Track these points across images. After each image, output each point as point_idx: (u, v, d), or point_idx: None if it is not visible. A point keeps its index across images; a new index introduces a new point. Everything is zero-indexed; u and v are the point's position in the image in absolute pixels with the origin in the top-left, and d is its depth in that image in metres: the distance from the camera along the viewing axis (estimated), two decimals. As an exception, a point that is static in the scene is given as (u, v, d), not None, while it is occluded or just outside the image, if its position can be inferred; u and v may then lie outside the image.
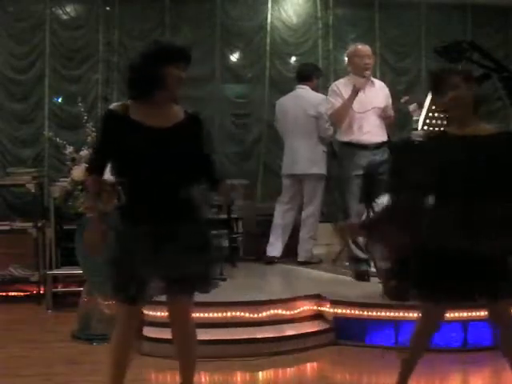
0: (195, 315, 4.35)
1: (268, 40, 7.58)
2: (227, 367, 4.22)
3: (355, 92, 5.54)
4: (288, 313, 4.80)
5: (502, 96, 5.08)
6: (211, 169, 3.27)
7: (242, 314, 4.67)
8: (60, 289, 6.10)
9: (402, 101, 5.88)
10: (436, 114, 5.12)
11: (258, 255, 6.59)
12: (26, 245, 6.18)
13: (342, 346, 4.65)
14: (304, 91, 6.45)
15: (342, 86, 5.75)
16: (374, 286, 5.11)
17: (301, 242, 6.46)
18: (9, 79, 7.06)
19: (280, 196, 6.60)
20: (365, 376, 4.28)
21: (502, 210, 3.00)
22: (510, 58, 7.67)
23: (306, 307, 4.89)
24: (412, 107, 5.65)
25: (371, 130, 5.64)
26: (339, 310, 4.77)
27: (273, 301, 4.81)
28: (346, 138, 5.70)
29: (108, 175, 3.18)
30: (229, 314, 4.66)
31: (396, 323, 4.62)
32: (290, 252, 6.46)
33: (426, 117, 5.15)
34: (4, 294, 6.27)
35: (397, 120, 6.08)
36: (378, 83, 5.92)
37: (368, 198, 5.47)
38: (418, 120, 5.31)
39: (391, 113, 5.83)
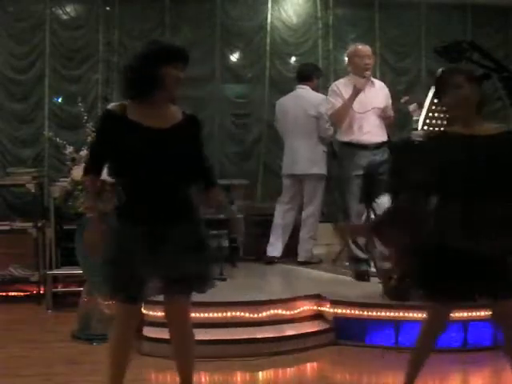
0: (195, 315, 4.36)
1: (268, 40, 7.58)
2: (227, 367, 4.22)
3: (356, 92, 5.54)
4: (288, 313, 4.80)
5: (501, 96, 5.07)
6: (207, 172, 3.26)
7: (242, 314, 4.67)
8: (60, 289, 6.10)
9: (402, 101, 5.88)
10: (436, 114, 5.12)
11: (258, 255, 6.59)
12: (26, 245, 6.18)
13: (342, 345, 4.65)
14: (304, 91, 6.45)
15: (342, 86, 5.75)
16: (374, 286, 5.12)
17: (301, 242, 6.46)
18: (9, 79, 7.05)
19: (280, 196, 6.60)
20: (365, 376, 4.28)
21: (504, 209, 3.00)
22: (510, 58, 7.67)
23: (306, 307, 4.89)
24: (412, 107, 5.65)
25: (371, 130, 5.65)
26: (339, 310, 4.77)
27: (273, 301, 4.81)
28: (346, 138, 5.70)
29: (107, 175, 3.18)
30: (229, 314, 4.66)
31: (396, 323, 4.62)
32: (290, 252, 6.46)
33: (426, 117, 5.15)
34: (4, 293, 6.26)
35: (397, 120, 6.08)
36: (378, 83, 5.92)
37: (368, 197, 5.50)
38: (417, 120, 5.30)
39: (391, 113, 5.84)
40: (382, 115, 5.74)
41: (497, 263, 3.00)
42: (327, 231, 6.94)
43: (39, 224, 6.13)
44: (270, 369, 4.30)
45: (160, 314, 4.23)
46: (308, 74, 6.52)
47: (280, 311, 4.77)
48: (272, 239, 6.49)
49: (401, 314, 4.62)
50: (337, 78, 6.41)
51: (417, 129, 5.26)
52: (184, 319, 3.25)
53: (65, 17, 7.22)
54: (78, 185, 5.06)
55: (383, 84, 5.98)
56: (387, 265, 4.80)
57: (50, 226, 6.08)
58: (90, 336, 4.77)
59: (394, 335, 4.62)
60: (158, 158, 3.00)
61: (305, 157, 6.35)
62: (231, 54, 7.63)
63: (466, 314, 4.47)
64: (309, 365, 4.48)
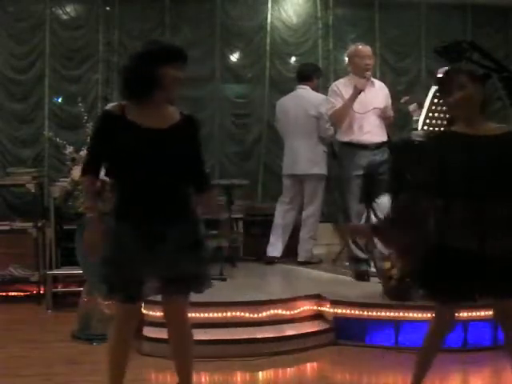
0: (195, 315, 4.37)
1: (268, 40, 7.58)
2: (227, 367, 4.22)
3: (357, 93, 5.54)
4: (288, 313, 4.80)
5: (501, 96, 5.08)
6: (201, 175, 3.26)
7: (242, 314, 4.67)
8: (60, 289, 6.10)
9: (402, 101, 5.88)
10: (436, 114, 5.12)
11: (258, 255, 6.59)
12: (26, 245, 6.18)
13: (342, 345, 4.65)
14: (305, 91, 6.45)
15: (342, 86, 5.75)
16: (374, 286, 5.11)
17: (301, 242, 6.46)
18: (9, 79, 7.05)
19: (281, 196, 6.60)
20: (365, 376, 4.28)
21: (506, 209, 3.00)
22: (510, 58, 7.67)
23: (306, 307, 4.89)
24: (412, 107, 5.65)
25: (372, 130, 5.65)
26: (339, 310, 4.77)
27: (273, 301, 4.81)
28: (346, 138, 5.70)
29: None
30: (229, 314, 4.66)
31: (396, 323, 4.62)
32: (290, 252, 6.46)
33: (426, 117, 5.15)
34: (4, 293, 6.27)
35: (397, 120, 6.09)
36: (378, 83, 5.93)
37: (368, 197, 5.50)
38: (417, 120, 5.30)
39: (391, 113, 5.84)
40: (382, 115, 5.74)
41: (499, 263, 3.00)
42: (327, 231, 6.96)
43: (39, 224, 6.13)
44: (269, 369, 4.29)
45: (160, 314, 4.23)
46: (308, 74, 6.53)
47: (280, 311, 4.77)
48: (272, 239, 6.49)
49: (401, 313, 4.62)
50: (337, 78, 6.41)
51: (417, 129, 5.26)
52: (182, 319, 3.25)
53: (65, 17, 7.22)
54: (77, 185, 5.06)
55: (383, 84, 5.98)
56: (387, 265, 4.79)
57: (50, 225, 6.08)
58: (90, 336, 4.77)
59: (394, 335, 4.62)
60: (155, 158, 3.01)
61: (305, 157, 6.35)
62: (231, 53, 7.63)
63: (466, 314, 4.46)
64: (309, 365, 4.48)
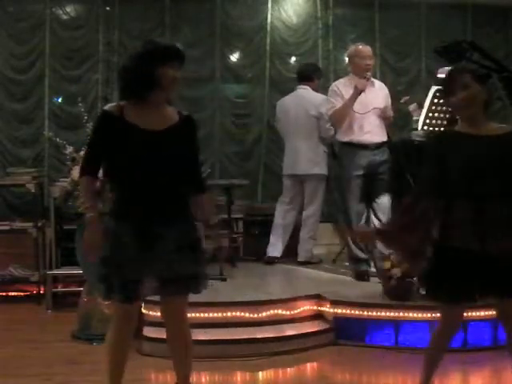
0: (195, 315, 4.38)
1: (268, 40, 7.57)
2: (227, 367, 4.22)
3: (357, 93, 5.53)
4: (288, 313, 4.80)
5: (501, 96, 5.07)
6: (197, 177, 3.26)
7: (242, 314, 4.67)
8: (60, 289, 6.10)
9: (402, 101, 5.88)
10: (436, 114, 5.12)
11: (258, 255, 6.59)
12: (26, 245, 6.18)
13: (342, 346, 4.65)
14: (305, 91, 6.45)
15: (342, 87, 5.75)
16: (374, 286, 5.11)
17: (301, 242, 6.46)
18: (9, 79, 7.05)
19: (281, 196, 6.60)
20: (365, 376, 4.27)
21: (509, 209, 3.00)
22: (510, 58, 7.67)
23: (306, 307, 4.89)
24: (412, 107, 5.65)
25: (372, 130, 5.65)
26: (339, 310, 4.77)
27: (273, 301, 4.81)
28: (346, 138, 5.70)
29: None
30: (229, 314, 4.66)
31: (396, 323, 4.62)
32: (290, 252, 6.46)
33: (426, 117, 5.15)
34: (4, 293, 6.26)
35: (397, 120, 6.08)
36: (378, 84, 5.92)
37: (368, 197, 5.50)
38: (417, 120, 5.30)
39: (390, 113, 5.84)
40: (382, 115, 5.74)
41: (500, 263, 3.00)
42: (327, 231, 6.96)
43: (39, 224, 6.13)
44: (270, 369, 4.29)
45: (160, 314, 4.24)
46: (309, 74, 6.53)
47: (280, 311, 4.77)
48: (272, 239, 6.49)
49: (401, 314, 4.62)
50: (337, 78, 6.41)
51: (417, 129, 5.27)
52: (181, 319, 3.25)
53: (65, 17, 7.22)
54: (77, 185, 5.04)
55: (383, 84, 5.98)
56: (387, 265, 4.80)
57: (50, 225, 6.08)
58: (90, 336, 4.77)
59: (394, 335, 4.62)
60: (153, 159, 3.01)
61: (306, 157, 6.35)
62: (231, 53, 7.63)
63: (465, 314, 4.45)
64: (309, 365, 4.47)
